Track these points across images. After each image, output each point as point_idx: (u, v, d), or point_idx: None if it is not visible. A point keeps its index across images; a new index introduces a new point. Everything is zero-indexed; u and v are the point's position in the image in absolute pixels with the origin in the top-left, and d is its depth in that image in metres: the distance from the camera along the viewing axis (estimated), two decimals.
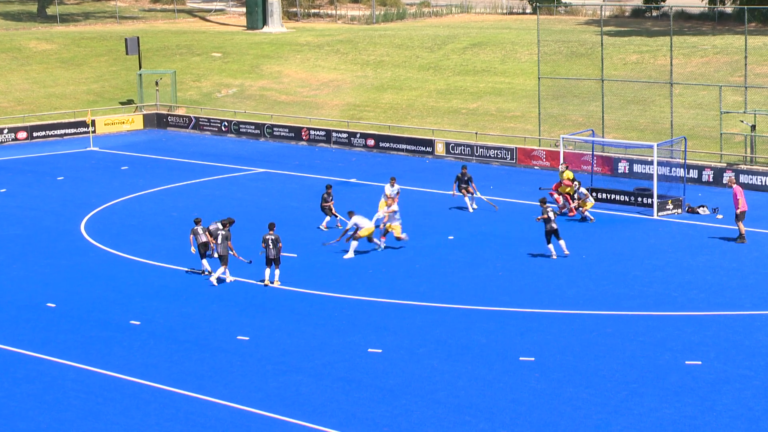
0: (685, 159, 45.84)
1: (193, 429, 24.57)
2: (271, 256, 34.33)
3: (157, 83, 69.76)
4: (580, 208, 42.01)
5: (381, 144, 58.79)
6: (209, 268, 35.58)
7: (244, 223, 39.91)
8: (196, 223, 35.81)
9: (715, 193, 46.08)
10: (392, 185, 41.31)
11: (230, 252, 34.66)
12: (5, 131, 63.61)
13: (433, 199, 46.86)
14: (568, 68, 63.96)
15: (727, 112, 52.05)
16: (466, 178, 43.31)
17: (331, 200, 41.36)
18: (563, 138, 46.87)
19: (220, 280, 34.77)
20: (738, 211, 38.52)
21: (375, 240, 38.25)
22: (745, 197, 38.84)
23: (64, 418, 25.15)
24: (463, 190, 43.56)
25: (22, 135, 63.86)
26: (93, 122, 63.85)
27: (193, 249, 35.59)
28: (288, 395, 26.18)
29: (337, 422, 24.64)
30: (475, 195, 43.57)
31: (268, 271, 34.50)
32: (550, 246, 36.91)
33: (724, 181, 46.05)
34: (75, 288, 34.85)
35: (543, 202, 37.11)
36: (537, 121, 56.16)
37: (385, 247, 38.31)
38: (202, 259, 35.72)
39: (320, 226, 41.29)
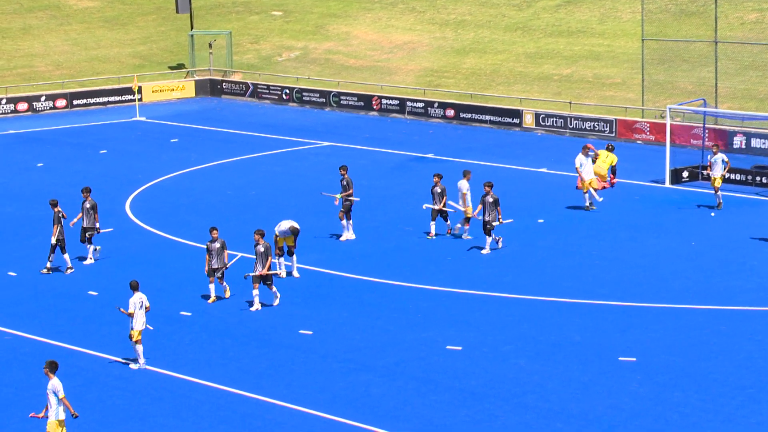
0: None
1: None
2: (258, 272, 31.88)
3: (210, 45, 70.21)
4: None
5: (461, 115, 58.69)
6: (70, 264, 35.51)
7: (306, 204, 40.05)
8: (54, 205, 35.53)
9: None
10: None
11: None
12: (42, 98, 64.44)
13: (521, 177, 46.70)
14: (677, 29, 63.33)
15: None
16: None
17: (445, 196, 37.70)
18: (670, 108, 46.48)
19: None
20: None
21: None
22: None
23: (105, 420, 25.39)
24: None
25: (61, 103, 64.64)
26: (139, 89, 64.43)
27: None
28: (356, 397, 26.27)
29: (411, 427, 24.69)
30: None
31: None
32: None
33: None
34: (119, 274, 35.17)
35: None
36: (640, 89, 55.72)
37: (467, 235, 38.25)
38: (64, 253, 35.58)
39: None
